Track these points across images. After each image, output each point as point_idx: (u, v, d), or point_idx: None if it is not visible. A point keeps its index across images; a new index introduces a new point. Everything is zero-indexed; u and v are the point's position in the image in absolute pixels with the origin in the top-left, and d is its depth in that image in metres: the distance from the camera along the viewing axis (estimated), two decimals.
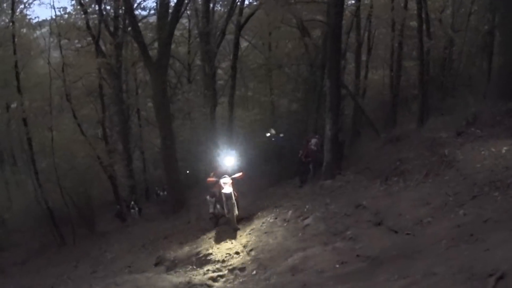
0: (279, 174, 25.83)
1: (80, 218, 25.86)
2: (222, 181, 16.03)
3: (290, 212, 15.16)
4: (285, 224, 14.15)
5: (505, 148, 13.07)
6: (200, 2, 29.31)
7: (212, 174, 17.03)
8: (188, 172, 29.81)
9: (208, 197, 17.60)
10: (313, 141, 21.96)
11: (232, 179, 16.15)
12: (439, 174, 13.42)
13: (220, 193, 16.06)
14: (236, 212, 15.88)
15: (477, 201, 10.05)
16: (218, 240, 15.03)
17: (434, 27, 28.40)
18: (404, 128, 25.28)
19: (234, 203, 15.72)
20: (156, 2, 27.32)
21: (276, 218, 15.07)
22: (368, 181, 16.94)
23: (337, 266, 9.44)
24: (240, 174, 16.48)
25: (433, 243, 8.98)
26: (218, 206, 16.96)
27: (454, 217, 9.94)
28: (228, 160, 16.97)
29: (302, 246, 11.61)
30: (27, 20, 30.87)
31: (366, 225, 11.52)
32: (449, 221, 9.82)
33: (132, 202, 28.23)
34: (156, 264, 14.81)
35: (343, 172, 20.04)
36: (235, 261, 12.44)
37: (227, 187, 15.78)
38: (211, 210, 17.40)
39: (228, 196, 15.67)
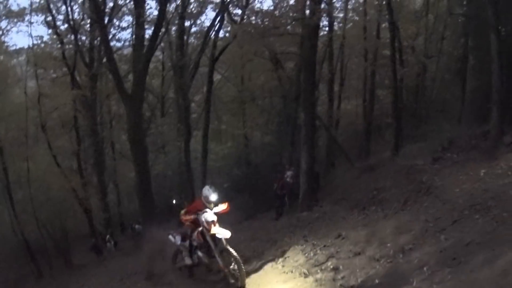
0: (254, 207, 25.92)
1: (56, 250, 25.77)
2: (204, 217, 12.44)
3: (268, 245, 15.26)
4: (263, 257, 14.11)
5: (483, 171, 13.14)
6: (174, 35, 29.26)
7: (184, 210, 13.25)
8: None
9: (173, 237, 14.02)
10: (289, 173, 22.04)
11: (216, 214, 12.74)
12: (418, 201, 13.41)
13: (202, 235, 12.61)
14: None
15: (458, 225, 10.08)
16: None
17: (407, 54, 28.56)
18: (379, 157, 25.36)
19: (237, 256, 11.95)
20: (132, 34, 27.12)
21: (254, 251, 14.97)
22: (345, 211, 16.71)
23: None
24: (224, 206, 13.23)
25: (416, 269, 8.97)
26: (198, 253, 12.99)
27: (436, 242, 9.90)
28: (207, 191, 12.99)
29: (283, 278, 11.72)
30: (4, 47, 31.02)
31: (347, 255, 11.38)
32: (431, 247, 9.78)
33: (108, 236, 27.95)
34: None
35: (319, 203, 19.98)
36: None
37: (217, 229, 12.30)
38: (187, 262, 13.55)
39: (220, 243, 12.34)
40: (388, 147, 25.96)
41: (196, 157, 28.94)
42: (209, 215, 12.69)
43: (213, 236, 12.46)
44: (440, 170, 15.41)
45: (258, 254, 14.53)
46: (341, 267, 10.66)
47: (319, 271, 11.11)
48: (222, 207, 13.33)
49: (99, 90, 29.21)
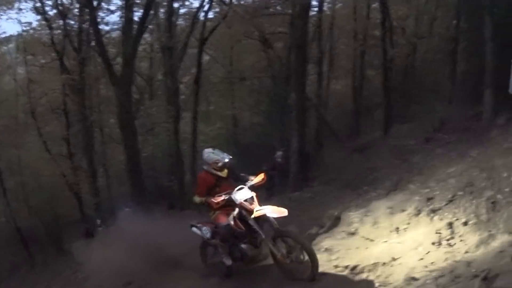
0: None
1: (49, 237, 25.65)
2: (239, 196, 9.75)
3: None
4: None
5: (476, 152, 13.14)
6: (163, 17, 29.06)
7: (199, 196, 10.43)
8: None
9: (199, 229, 11.01)
10: (279, 153, 21.86)
11: (252, 188, 10.13)
12: (410, 181, 13.32)
13: (241, 221, 9.74)
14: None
15: (452, 206, 9.96)
16: None
17: (397, 35, 28.45)
18: (369, 137, 25.48)
19: (303, 241, 9.61)
20: (120, 17, 26.92)
21: None
22: (337, 191, 16.79)
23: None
24: (260, 177, 10.34)
25: (411, 249, 8.97)
26: (241, 246, 10.10)
27: (430, 222, 9.87)
28: (212, 154, 10.52)
29: None
30: None
31: (340, 236, 11.28)
32: (426, 227, 9.74)
33: (99, 220, 27.90)
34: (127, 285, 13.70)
35: (310, 183, 19.95)
36: None
37: (262, 207, 9.57)
38: (227, 263, 10.59)
39: (268, 226, 9.65)
40: (378, 128, 26.29)
41: (185, 138, 29.00)
42: (244, 191, 9.88)
43: (258, 219, 9.55)
44: (432, 150, 15.52)
45: None
46: (335, 247, 10.54)
47: None
48: (258, 179, 10.29)
49: (88, 74, 29.09)
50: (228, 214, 10.07)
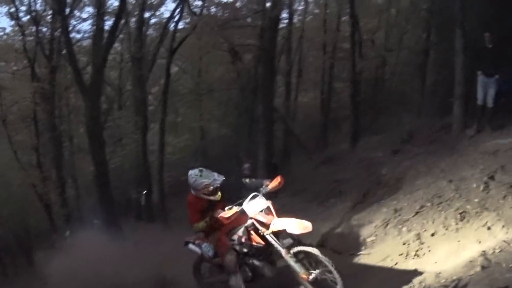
0: None
1: (19, 248, 25.43)
2: (252, 207, 8.49)
3: None
4: None
5: (444, 163, 13.13)
6: (133, 26, 28.93)
7: (192, 217, 8.92)
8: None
9: (198, 246, 9.56)
10: (246, 165, 21.78)
11: (268, 196, 8.87)
12: (378, 193, 13.43)
13: (255, 235, 8.44)
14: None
15: (420, 217, 10.05)
16: None
17: (367, 47, 28.63)
18: (337, 149, 25.55)
19: (326, 258, 8.14)
20: (92, 25, 26.80)
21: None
22: (304, 203, 16.85)
23: None
24: (277, 181, 9.01)
25: (379, 261, 9.07)
26: (254, 262, 8.63)
27: (398, 234, 9.95)
28: (198, 177, 8.79)
29: None
30: None
31: None
32: (394, 238, 9.85)
33: (68, 231, 27.70)
34: None
35: (277, 195, 19.92)
36: None
37: (281, 221, 8.37)
38: (236, 285, 8.67)
39: (287, 241, 8.38)
40: (346, 140, 26.25)
41: (153, 150, 28.88)
42: (258, 201, 8.55)
43: (277, 234, 8.32)
44: (400, 162, 15.46)
45: None
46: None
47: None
48: (274, 183, 8.96)
49: (58, 82, 28.92)
50: (232, 229, 8.78)
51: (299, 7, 31.32)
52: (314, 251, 8.25)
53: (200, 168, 9.05)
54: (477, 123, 15.09)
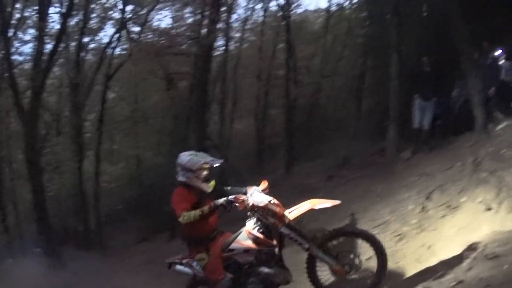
0: (148, 229, 25.84)
1: None
2: (260, 198, 7.22)
3: (164, 268, 14.92)
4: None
5: (379, 186, 13.40)
6: (73, 51, 28.59)
7: (181, 205, 7.15)
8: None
9: (187, 265, 7.69)
10: None
11: None
12: (312, 220, 12.87)
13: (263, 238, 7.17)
14: None
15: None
16: None
17: (302, 74, 28.98)
18: (272, 176, 25.32)
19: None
20: (33, 48, 26.44)
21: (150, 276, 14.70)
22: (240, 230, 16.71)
23: None
24: (265, 184, 7.79)
25: None
26: (265, 270, 7.15)
27: None
28: (191, 157, 7.44)
29: None
30: None
31: None
32: None
33: (11, 260, 27.36)
34: None
35: None
36: None
37: (302, 205, 7.45)
38: None
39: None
40: (280, 166, 26.48)
41: (89, 178, 28.50)
42: (261, 195, 7.35)
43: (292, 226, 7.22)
44: (335, 188, 15.61)
45: (155, 277, 14.21)
46: None
47: None
48: (263, 185, 7.72)
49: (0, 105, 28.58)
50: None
51: (236, 34, 31.65)
52: (348, 232, 7.80)
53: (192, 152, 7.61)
54: (413, 146, 15.35)
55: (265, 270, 7.12)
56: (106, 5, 27.29)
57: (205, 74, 21.20)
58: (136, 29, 27.63)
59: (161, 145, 32.53)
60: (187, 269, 7.67)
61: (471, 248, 7.20)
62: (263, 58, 29.72)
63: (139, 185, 31.39)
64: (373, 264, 7.35)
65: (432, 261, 7.79)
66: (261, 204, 7.03)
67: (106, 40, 28.19)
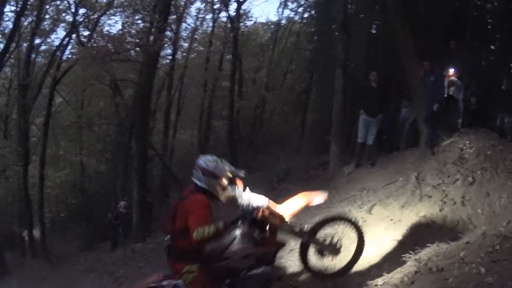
0: (91, 237, 25.58)
1: None
2: (259, 201, 6.92)
3: (105, 277, 15.02)
4: None
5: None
6: (24, 52, 28.06)
7: (202, 218, 6.29)
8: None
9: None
10: (122, 203, 21.62)
11: None
12: None
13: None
14: None
15: (295, 254, 9.13)
16: None
17: (247, 86, 29.56)
18: None
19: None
20: None
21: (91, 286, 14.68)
22: None
23: None
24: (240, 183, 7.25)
25: None
26: (260, 269, 6.71)
27: None
28: (213, 162, 6.65)
29: None
30: None
31: None
32: None
33: None
34: None
35: (153, 234, 19.73)
36: None
37: (296, 201, 7.39)
38: None
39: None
40: None
41: (35, 183, 27.89)
42: (259, 196, 7.04)
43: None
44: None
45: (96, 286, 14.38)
46: None
47: None
48: (240, 186, 7.18)
49: None
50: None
51: (185, 43, 31.83)
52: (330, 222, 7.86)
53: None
54: (356, 160, 15.48)
55: (265, 269, 6.69)
56: (60, 7, 27.10)
57: (150, 82, 21.13)
58: (86, 33, 27.30)
59: (104, 152, 32.49)
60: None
61: (414, 261, 7.34)
62: (210, 69, 29.74)
63: (82, 192, 31.41)
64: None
65: (374, 275, 7.93)
66: (262, 204, 6.76)
67: (57, 42, 27.92)
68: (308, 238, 7.44)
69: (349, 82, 18.05)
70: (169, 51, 29.55)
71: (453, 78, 13.47)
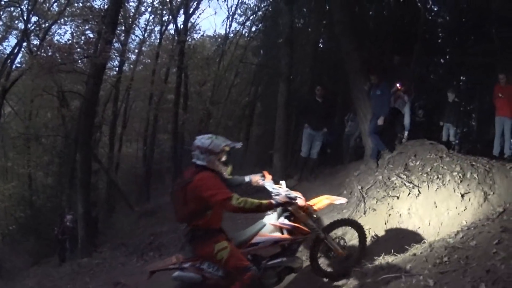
0: (40, 252, 25.19)
1: None
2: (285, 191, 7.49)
3: None
4: None
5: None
6: None
7: (223, 188, 6.58)
8: None
9: (196, 268, 6.90)
10: (68, 217, 21.42)
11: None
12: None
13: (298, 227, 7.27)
14: None
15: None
16: None
17: (192, 100, 29.60)
18: (158, 201, 25.46)
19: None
20: None
21: None
22: (124, 257, 16.46)
23: None
24: (268, 174, 8.34)
25: None
26: (282, 259, 7.25)
27: None
28: (213, 140, 6.95)
29: None
30: None
31: None
32: None
33: None
34: None
35: (99, 249, 19.42)
36: None
37: (321, 199, 7.87)
38: None
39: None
40: (167, 192, 26.33)
41: None
42: (277, 186, 7.77)
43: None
44: None
45: None
46: None
47: None
48: (268, 177, 8.23)
49: None
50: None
51: (132, 55, 31.87)
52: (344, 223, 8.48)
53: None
54: (300, 174, 15.64)
55: (284, 259, 7.18)
56: (13, 14, 27.06)
57: (96, 93, 20.75)
58: (37, 42, 26.96)
59: (50, 164, 31.96)
60: (192, 275, 6.85)
61: (360, 274, 7.42)
62: (156, 82, 29.61)
63: (30, 206, 30.78)
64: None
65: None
66: (294, 199, 7.09)
67: (9, 50, 27.80)
68: (325, 235, 7.72)
69: (294, 96, 18.41)
70: (116, 62, 29.75)
71: (399, 91, 13.55)
